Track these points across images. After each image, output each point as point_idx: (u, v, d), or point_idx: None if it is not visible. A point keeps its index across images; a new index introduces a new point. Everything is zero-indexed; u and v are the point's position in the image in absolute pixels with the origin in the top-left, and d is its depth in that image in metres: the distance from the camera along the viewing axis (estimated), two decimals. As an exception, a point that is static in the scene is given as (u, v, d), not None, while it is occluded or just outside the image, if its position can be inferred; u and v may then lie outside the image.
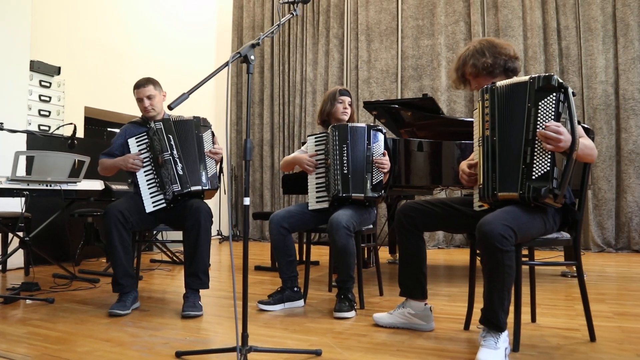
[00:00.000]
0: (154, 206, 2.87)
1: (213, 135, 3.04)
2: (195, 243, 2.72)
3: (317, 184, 2.85)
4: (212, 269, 4.40)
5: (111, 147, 3.10)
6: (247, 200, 1.76)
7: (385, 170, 2.77)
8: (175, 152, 2.87)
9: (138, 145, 2.95)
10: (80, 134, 5.46)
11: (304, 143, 3.23)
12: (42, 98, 4.64)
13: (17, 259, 4.11)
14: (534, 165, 1.85)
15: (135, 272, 2.84)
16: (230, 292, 3.32)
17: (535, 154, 1.85)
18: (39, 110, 4.60)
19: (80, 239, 4.64)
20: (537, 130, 1.84)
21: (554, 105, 1.84)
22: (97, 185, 3.79)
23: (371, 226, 2.98)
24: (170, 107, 1.56)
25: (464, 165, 2.18)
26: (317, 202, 2.83)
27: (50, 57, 4.79)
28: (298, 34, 7.20)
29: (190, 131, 2.93)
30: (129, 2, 6.17)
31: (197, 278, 2.72)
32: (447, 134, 4.06)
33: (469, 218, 2.18)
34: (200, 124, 2.98)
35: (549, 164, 1.82)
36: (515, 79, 1.97)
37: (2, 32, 4.20)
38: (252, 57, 1.77)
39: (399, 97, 6.38)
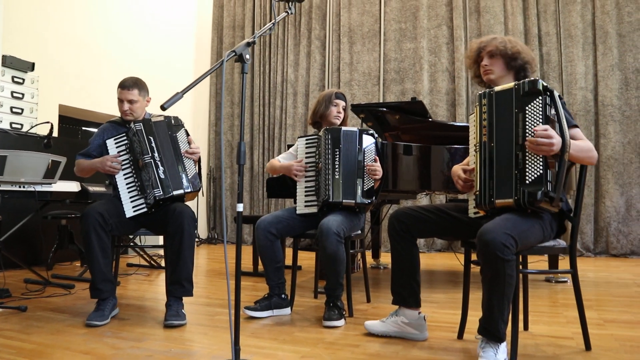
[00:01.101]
0: (134, 211, 2.75)
1: (187, 134, 2.92)
2: (179, 249, 2.61)
3: (306, 187, 2.77)
4: (195, 274, 4.28)
5: (89, 148, 2.96)
6: (240, 207, 1.67)
7: (377, 177, 2.71)
8: (156, 154, 2.75)
9: (117, 147, 2.82)
10: (54, 132, 5.26)
11: (289, 146, 3.14)
12: (15, 95, 4.44)
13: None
14: (527, 170, 1.82)
15: (113, 277, 2.71)
16: (212, 299, 3.21)
17: (527, 158, 1.83)
18: (11, 108, 4.40)
19: (54, 242, 4.46)
20: (527, 136, 1.82)
21: (540, 109, 1.83)
22: (73, 186, 3.64)
23: (360, 232, 2.92)
24: (163, 107, 1.46)
25: (458, 169, 2.14)
26: (305, 206, 2.75)
27: (24, 53, 4.60)
28: (279, 34, 7.12)
29: (165, 132, 2.81)
30: (106, -2, 6.00)
31: (180, 286, 2.61)
32: (432, 138, 4.03)
33: (464, 225, 2.14)
34: (172, 124, 2.85)
35: (541, 167, 1.80)
36: (507, 85, 1.94)
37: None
38: (248, 57, 1.69)
39: (381, 100, 6.35)
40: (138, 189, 2.76)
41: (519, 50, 2.10)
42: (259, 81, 7.23)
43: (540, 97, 1.83)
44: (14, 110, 4.43)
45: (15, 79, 4.45)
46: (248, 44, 1.71)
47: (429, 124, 3.97)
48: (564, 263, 3.73)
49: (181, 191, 2.77)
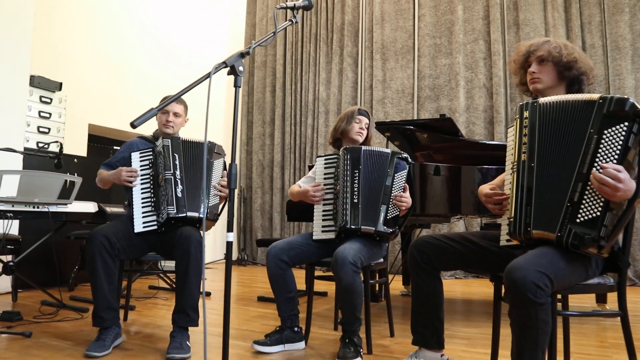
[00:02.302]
0: (144, 226, 2.63)
1: (225, 167, 2.81)
2: (184, 275, 2.46)
3: (324, 211, 2.57)
4: (212, 298, 4.12)
5: (112, 158, 2.89)
6: (230, 236, 1.48)
7: (404, 208, 2.49)
8: (177, 172, 2.65)
9: (141, 160, 2.74)
10: (83, 152, 5.28)
11: (310, 167, 2.96)
12: (42, 114, 4.46)
13: (5, 283, 3.88)
14: (582, 206, 1.53)
15: (118, 304, 2.56)
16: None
17: (587, 193, 1.53)
18: (38, 127, 4.41)
19: (76, 263, 4.41)
20: (594, 167, 1.52)
21: (622, 138, 1.50)
22: (90, 207, 3.56)
23: (382, 260, 2.68)
24: (133, 125, 1.31)
25: (485, 188, 1.89)
26: (322, 231, 2.55)
27: (52, 73, 4.62)
28: (311, 52, 7.00)
29: (199, 155, 2.71)
30: (138, 18, 6.03)
31: (185, 315, 2.44)
32: (466, 158, 3.77)
33: (493, 256, 1.88)
34: (213, 150, 2.78)
35: (600, 208, 1.51)
36: (571, 96, 1.66)
37: (2, 46, 4.04)
38: (241, 69, 1.52)
39: (415, 118, 6.11)
40: (153, 205, 2.66)
41: (575, 58, 1.80)
42: (290, 100, 7.11)
43: (626, 124, 1.50)
44: (41, 129, 4.44)
45: (43, 99, 4.46)
46: (242, 55, 1.54)
47: (462, 143, 3.72)
48: (614, 295, 3.36)
49: (196, 214, 2.64)
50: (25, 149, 4.20)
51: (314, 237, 2.54)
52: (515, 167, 1.71)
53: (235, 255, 7.27)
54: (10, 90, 4.11)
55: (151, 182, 2.67)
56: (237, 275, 5.91)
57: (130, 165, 2.70)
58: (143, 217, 2.64)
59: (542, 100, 1.70)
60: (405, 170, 2.51)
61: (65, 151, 4.65)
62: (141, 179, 2.68)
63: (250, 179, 7.40)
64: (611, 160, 1.51)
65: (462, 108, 5.89)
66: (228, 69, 1.52)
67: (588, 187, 1.53)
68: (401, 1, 6.40)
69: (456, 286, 5.01)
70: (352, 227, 2.42)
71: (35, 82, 4.36)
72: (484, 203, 1.90)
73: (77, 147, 5.13)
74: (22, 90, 4.22)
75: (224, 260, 6.90)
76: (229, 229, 1.47)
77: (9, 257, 3.52)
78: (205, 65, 7.00)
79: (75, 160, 4.61)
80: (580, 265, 1.61)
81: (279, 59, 7.25)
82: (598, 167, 1.51)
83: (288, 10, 1.77)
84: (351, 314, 2.30)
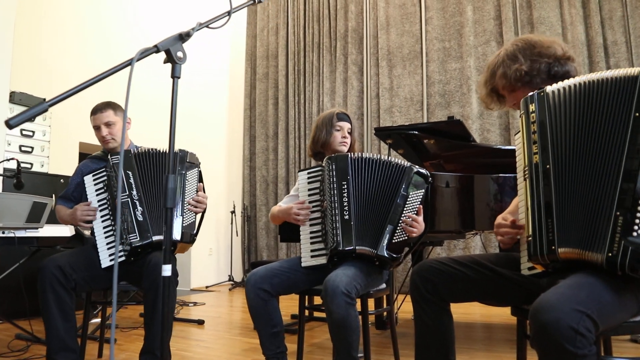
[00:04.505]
0: (111, 260, 2.29)
1: (200, 178, 2.45)
2: (152, 310, 2.11)
3: (311, 233, 2.19)
4: (205, 327, 3.75)
5: (67, 189, 2.58)
6: (166, 270, 1.13)
7: (414, 235, 2.08)
8: (134, 192, 2.30)
9: (95, 184, 2.40)
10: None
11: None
12: (24, 133, 4.19)
13: (-20, 316, 3.57)
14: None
15: (77, 344, 2.21)
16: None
17: None
18: (20, 146, 4.14)
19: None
20: None
21: None
22: (65, 231, 3.25)
23: (384, 286, 2.31)
24: (9, 125, 0.97)
25: (499, 217, 1.53)
26: (312, 256, 2.17)
27: (35, 88, 4.36)
28: (314, 61, 6.70)
29: (160, 167, 2.35)
30: (129, 28, 5.78)
31: (152, 356, 2.09)
32: (482, 167, 3.40)
33: (514, 286, 1.51)
34: (185, 160, 2.40)
35: None
36: (595, 75, 1.29)
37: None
38: (180, 54, 1.19)
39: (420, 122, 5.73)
40: (115, 234, 2.31)
41: (526, 67, 1.52)
42: (294, 112, 6.80)
43: None
44: (23, 149, 4.17)
45: (25, 116, 4.20)
46: (181, 37, 1.21)
47: (476, 150, 3.34)
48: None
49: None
50: (5, 169, 3.92)
51: (303, 264, 2.17)
52: (526, 172, 1.34)
53: (239, 277, 6.91)
54: (-11, 107, 3.85)
55: (109, 208, 2.33)
56: (239, 299, 5.55)
57: (85, 191, 2.36)
58: (108, 248, 2.30)
59: (549, 88, 1.34)
60: (422, 190, 2.11)
61: (52, 171, 4.40)
62: (99, 206, 2.34)
63: (254, 196, 7.07)
64: None
65: (475, 114, 5.51)
66: (166, 57, 1.18)
67: None
68: (407, 4, 6.08)
69: (474, 308, 4.58)
70: (346, 248, 2.05)
71: (17, 98, 4.10)
72: (496, 235, 1.53)
73: (67, 166, 4.84)
74: (2, 107, 3.95)
75: (230, 283, 6.55)
76: (165, 260, 1.12)
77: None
78: (205, 78, 6.74)
79: (61, 180, 4.32)
80: (632, 297, 1.23)
81: (281, 69, 6.96)
82: None
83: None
84: (346, 354, 1.92)
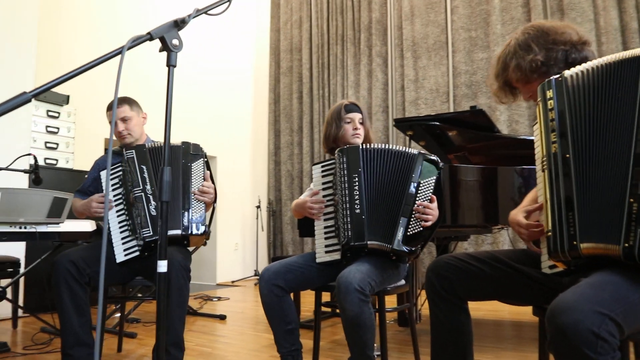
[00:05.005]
0: (125, 255, 2.27)
1: (207, 167, 2.41)
2: (165, 306, 2.08)
3: (325, 228, 2.12)
4: (227, 322, 3.73)
5: (84, 183, 2.58)
6: (162, 266, 1.09)
7: (428, 224, 1.97)
8: (148, 186, 2.28)
9: (111, 179, 2.38)
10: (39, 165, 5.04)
11: None
12: (50, 129, 4.25)
13: (6, 309, 3.64)
14: None
15: (92, 338, 2.20)
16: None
17: None
18: (45, 143, 4.20)
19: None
20: None
21: None
22: (86, 226, 3.26)
23: (402, 282, 2.23)
24: None
25: (518, 214, 1.43)
26: (326, 252, 2.10)
27: (60, 86, 4.40)
28: (338, 54, 6.61)
29: (174, 160, 2.33)
30: (151, 25, 5.79)
31: (165, 352, 2.06)
32: (508, 159, 3.27)
33: (535, 283, 1.42)
34: (189, 152, 2.37)
35: None
36: (614, 56, 1.20)
37: (5, 59, 3.85)
38: (176, 42, 1.14)
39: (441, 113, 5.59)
40: (130, 229, 2.29)
41: (542, 57, 1.43)
42: (318, 105, 6.74)
43: None
44: (49, 145, 4.22)
45: (50, 113, 4.26)
46: (176, 24, 1.16)
47: (502, 141, 3.22)
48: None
49: (178, 232, 2.26)
50: (30, 165, 3.98)
51: (317, 260, 2.10)
52: (545, 163, 1.25)
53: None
54: (14, 104, 3.91)
55: (124, 203, 2.32)
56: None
57: (101, 186, 2.36)
58: (123, 243, 2.29)
59: (567, 72, 1.24)
60: (434, 177, 2.01)
61: (77, 167, 4.45)
62: (115, 201, 2.33)
63: (279, 190, 7.05)
64: None
65: (503, 106, 5.34)
66: (163, 46, 1.13)
67: None
68: (432, -6, 5.93)
69: (503, 305, 4.44)
70: (356, 243, 1.98)
71: (41, 95, 4.15)
72: (517, 233, 1.43)
73: (91, 162, 4.89)
74: (27, 105, 4.00)
75: (255, 278, 6.55)
76: (160, 255, 1.08)
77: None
78: (230, 74, 6.74)
79: (86, 176, 4.37)
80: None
81: (305, 63, 6.90)
82: None
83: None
84: (360, 352, 1.85)
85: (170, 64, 1.15)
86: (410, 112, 5.93)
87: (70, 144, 4.39)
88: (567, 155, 1.21)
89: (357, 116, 2.23)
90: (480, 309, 4.07)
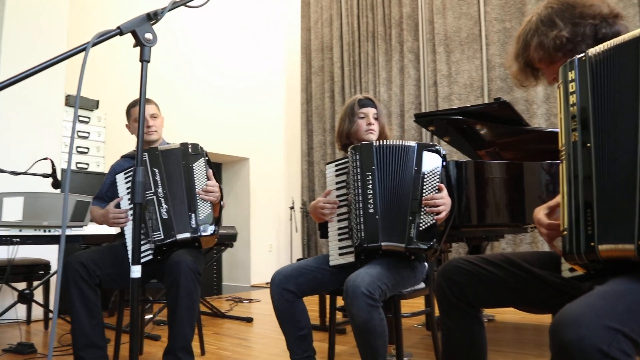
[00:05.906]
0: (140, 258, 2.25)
1: (209, 165, 2.37)
2: (174, 310, 2.05)
3: (339, 229, 2.03)
4: (254, 324, 3.68)
5: (101, 189, 2.59)
6: (135, 271, 1.03)
7: (441, 216, 1.86)
8: (160, 189, 2.25)
9: (126, 182, 2.37)
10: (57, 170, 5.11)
11: None
12: (80, 134, 4.33)
13: (40, 311, 3.72)
14: None
15: (104, 340, 2.18)
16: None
17: None
18: (77, 147, 4.28)
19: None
20: None
21: None
22: (110, 229, 3.29)
23: (422, 285, 2.11)
24: None
25: (540, 212, 1.30)
26: (340, 254, 2.01)
27: (89, 91, 4.48)
28: (369, 51, 6.49)
29: (177, 163, 2.30)
30: (182, 27, 5.84)
31: (174, 357, 2.03)
32: (543, 154, 3.08)
33: (553, 290, 1.28)
34: (189, 153, 2.33)
35: None
36: (617, 39, 1.06)
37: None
38: (149, 36, 1.08)
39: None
40: (143, 232, 2.27)
41: (567, 32, 1.28)
42: (349, 104, 6.63)
43: None
44: (79, 149, 4.30)
45: (81, 118, 4.34)
46: (149, 17, 1.10)
47: (535, 135, 3.04)
48: None
49: (187, 235, 2.22)
50: (63, 170, 4.06)
51: (331, 263, 2.01)
52: (563, 153, 1.11)
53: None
54: (46, 110, 4.00)
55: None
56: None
57: (118, 191, 2.35)
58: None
59: (591, 51, 1.10)
60: (438, 167, 1.90)
61: (107, 171, 4.51)
62: (130, 204, 2.31)
63: (313, 191, 6.98)
64: None
65: (540, 99, 5.09)
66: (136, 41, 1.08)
67: None
68: (464, -15, 5.74)
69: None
70: (370, 245, 1.88)
71: (72, 101, 4.24)
72: (539, 232, 1.30)
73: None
74: (58, 110, 4.10)
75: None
76: (134, 260, 1.02)
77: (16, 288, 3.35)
78: (261, 76, 6.72)
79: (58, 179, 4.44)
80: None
81: (336, 61, 6.81)
82: None
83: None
84: (372, 360, 1.76)
85: (144, 60, 1.09)
86: (444, 108, 5.75)
87: (100, 148, 4.46)
88: (588, 145, 1.07)
89: (371, 111, 2.13)
90: (500, 312, 3.87)
